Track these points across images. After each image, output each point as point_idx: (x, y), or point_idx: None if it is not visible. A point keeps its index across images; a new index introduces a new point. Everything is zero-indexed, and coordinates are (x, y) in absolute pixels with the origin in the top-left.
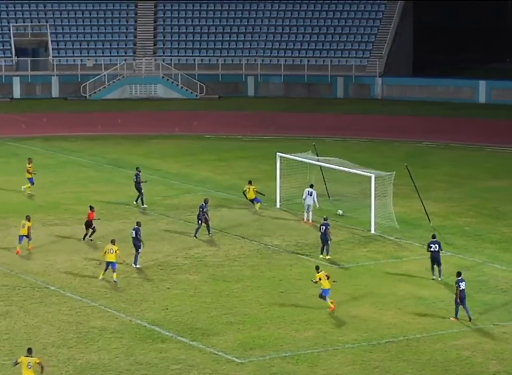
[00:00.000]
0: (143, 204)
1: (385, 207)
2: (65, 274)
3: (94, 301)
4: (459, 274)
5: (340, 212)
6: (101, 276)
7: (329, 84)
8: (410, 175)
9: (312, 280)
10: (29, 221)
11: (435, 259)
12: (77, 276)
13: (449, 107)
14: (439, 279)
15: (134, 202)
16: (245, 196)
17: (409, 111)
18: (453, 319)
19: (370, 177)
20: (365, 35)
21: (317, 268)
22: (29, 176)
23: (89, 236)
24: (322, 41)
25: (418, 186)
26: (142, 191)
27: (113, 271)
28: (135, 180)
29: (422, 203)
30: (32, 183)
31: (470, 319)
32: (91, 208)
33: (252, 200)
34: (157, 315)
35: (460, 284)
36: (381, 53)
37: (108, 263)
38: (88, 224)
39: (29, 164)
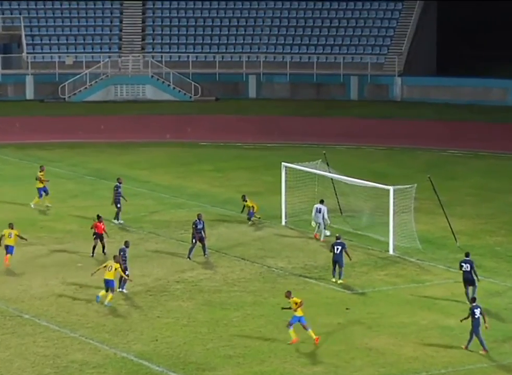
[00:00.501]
0: (117, 220)
1: (405, 224)
2: (40, 301)
3: (74, 331)
4: (473, 300)
5: (327, 233)
6: (100, 295)
7: (342, 84)
8: (434, 188)
9: (282, 308)
10: (13, 228)
11: (467, 281)
12: (55, 302)
13: (477, 110)
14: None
15: (113, 220)
16: (243, 209)
17: (432, 115)
18: (483, 352)
19: (388, 190)
20: (382, 29)
21: (288, 294)
22: (40, 185)
23: (103, 250)
24: (333, 35)
25: (443, 200)
26: (119, 205)
27: (111, 291)
28: (115, 193)
29: (447, 220)
30: (47, 193)
31: (486, 351)
32: (98, 217)
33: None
34: (146, 347)
35: (475, 310)
36: (401, 49)
37: (106, 282)
38: (99, 238)
39: (41, 172)
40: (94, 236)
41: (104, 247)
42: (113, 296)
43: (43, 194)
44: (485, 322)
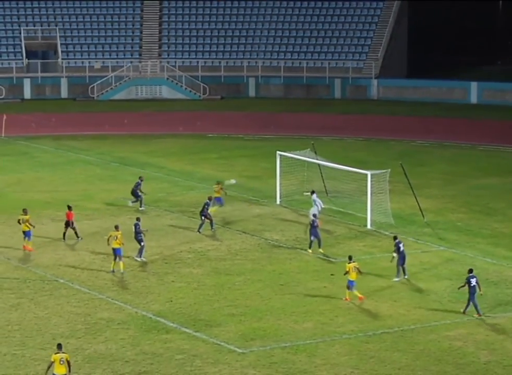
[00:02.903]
0: (141, 206)
1: (381, 203)
2: (73, 268)
3: (102, 293)
4: (470, 271)
5: (233, 181)
6: (112, 267)
7: (327, 85)
8: (405, 173)
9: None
10: (26, 214)
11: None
12: (85, 269)
13: (442, 107)
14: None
15: (140, 208)
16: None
17: (404, 112)
18: (476, 316)
19: (366, 175)
20: (361, 38)
21: (349, 258)
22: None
23: (77, 236)
24: (320, 44)
25: (413, 183)
26: (140, 196)
27: (119, 259)
28: (134, 186)
29: (416, 199)
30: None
31: (479, 314)
32: (69, 207)
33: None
34: (162, 307)
35: (471, 280)
36: (377, 56)
37: (115, 250)
38: (67, 224)
39: (25, 215)
40: (65, 223)
41: (76, 232)
42: (124, 263)
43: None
44: (479, 289)
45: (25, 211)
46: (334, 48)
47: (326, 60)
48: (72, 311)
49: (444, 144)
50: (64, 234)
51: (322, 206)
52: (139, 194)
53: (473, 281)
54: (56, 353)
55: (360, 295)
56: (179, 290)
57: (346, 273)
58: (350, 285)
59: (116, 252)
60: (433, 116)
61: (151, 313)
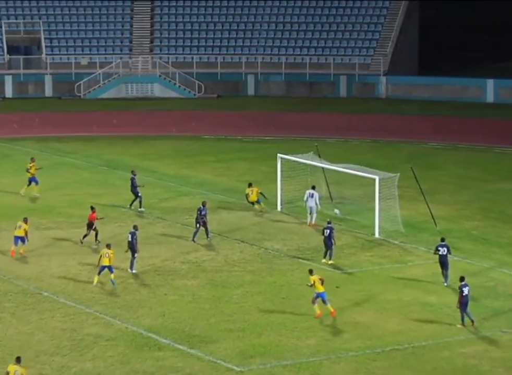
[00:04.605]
0: (140, 207)
1: (390, 210)
2: (59, 279)
3: (89, 307)
4: (462, 279)
5: (337, 211)
6: (95, 282)
7: (332, 83)
8: (415, 177)
9: (307, 284)
10: (26, 223)
11: (443, 263)
12: (72, 281)
13: (455, 107)
14: (445, 284)
15: (128, 206)
16: (247, 198)
17: (414, 111)
18: (460, 326)
19: (374, 179)
20: (369, 32)
21: (310, 271)
22: (29, 175)
23: (96, 239)
24: (324, 38)
25: (424, 188)
26: (140, 194)
27: (111, 273)
28: (131, 184)
29: (428, 206)
30: (36, 183)
31: (473, 322)
32: (92, 208)
33: (253, 203)
34: (154, 322)
35: (464, 289)
36: (386, 51)
37: (103, 267)
38: (89, 225)
39: (30, 163)
40: (87, 225)
41: (96, 235)
42: (115, 274)
43: (33, 183)
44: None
45: (25, 220)
46: (340, 43)
47: (330, 55)
48: (57, 327)
49: (457, 146)
50: (85, 235)
51: (319, 207)
52: (139, 191)
53: (465, 290)
54: (13, 364)
55: (332, 310)
56: (172, 304)
57: (312, 285)
58: (322, 299)
59: (107, 269)
60: (445, 116)
61: (142, 328)
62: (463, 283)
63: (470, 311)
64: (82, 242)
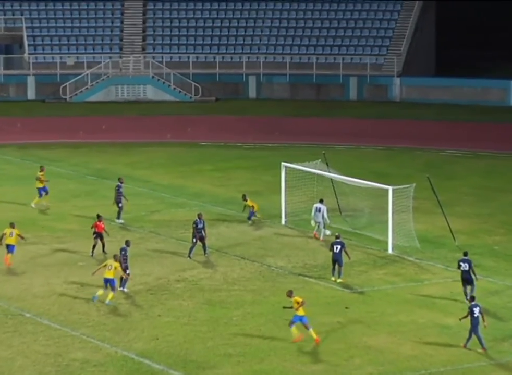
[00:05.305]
0: (118, 218)
1: (404, 223)
2: (42, 299)
3: (75, 330)
4: (472, 298)
5: (328, 232)
6: (98, 294)
7: (341, 85)
8: (432, 187)
9: (284, 307)
10: (14, 228)
11: (465, 280)
12: (56, 301)
13: (476, 111)
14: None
15: (116, 220)
16: (244, 208)
17: (431, 115)
18: (481, 350)
19: (387, 190)
20: (381, 29)
21: (290, 293)
22: (40, 185)
23: (103, 250)
24: (333, 36)
25: (442, 200)
26: (121, 205)
27: (112, 290)
28: (116, 192)
29: (446, 219)
30: (47, 193)
31: (484, 349)
32: (98, 216)
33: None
34: (146, 346)
35: (474, 309)
36: (400, 50)
37: (107, 280)
38: (98, 236)
39: (40, 172)
40: (94, 236)
41: (104, 246)
42: (114, 295)
43: (43, 193)
44: (483, 320)
45: (12, 225)
46: (350, 41)
47: (339, 54)
48: (40, 351)
49: (478, 154)
50: (94, 246)
51: (328, 221)
52: (121, 201)
53: (476, 311)
54: None
55: (315, 336)
56: (166, 326)
57: (291, 308)
58: (303, 322)
59: (108, 283)
60: (465, 121)
61: (133, 353)
62: (473, 302)
63: (482, 336)
64: (92, 255)
